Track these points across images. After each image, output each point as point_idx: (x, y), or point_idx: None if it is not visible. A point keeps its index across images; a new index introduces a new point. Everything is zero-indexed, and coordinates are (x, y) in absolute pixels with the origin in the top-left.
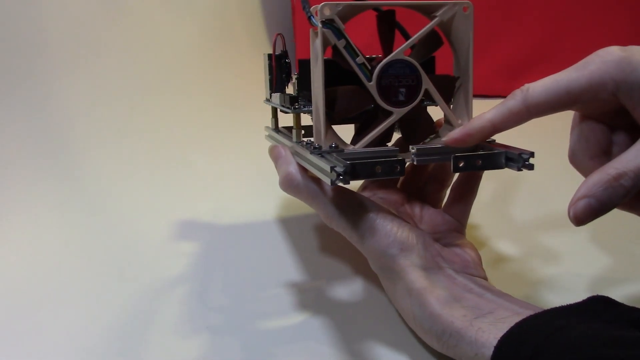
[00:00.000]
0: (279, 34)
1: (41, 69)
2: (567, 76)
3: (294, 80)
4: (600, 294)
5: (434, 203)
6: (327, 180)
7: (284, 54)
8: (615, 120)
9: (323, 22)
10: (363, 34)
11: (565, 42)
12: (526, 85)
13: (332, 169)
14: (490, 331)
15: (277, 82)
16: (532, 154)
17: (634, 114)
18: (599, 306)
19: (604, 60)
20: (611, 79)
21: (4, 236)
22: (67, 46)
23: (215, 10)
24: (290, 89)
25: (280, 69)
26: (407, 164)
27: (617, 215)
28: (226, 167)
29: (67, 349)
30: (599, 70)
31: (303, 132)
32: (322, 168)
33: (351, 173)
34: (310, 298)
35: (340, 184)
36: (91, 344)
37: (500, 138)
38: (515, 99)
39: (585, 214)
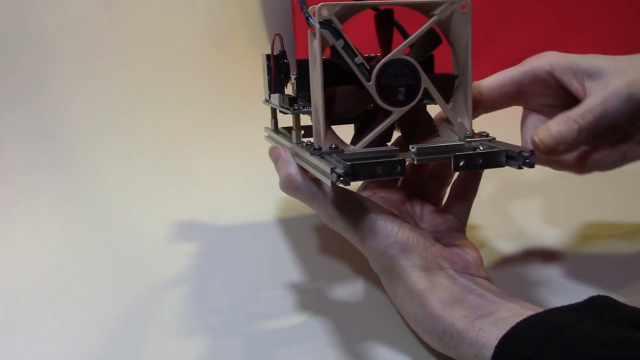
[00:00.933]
0: (277, 34)
1: (42, 70)
2: (511, 69)
3: (292, 80)
4: (600, 294)
5: (435, 202)
6: (327, 182)
7: (282, 54)
8: (554, 112)
9: (321, 23)
10: (362, 33)
11: (565, 42)
12: (477, 81)
13: (332, 170)
14: (491, 332)
15: (275, 82)
16: (532, 152)
17: (571, 88)
18: (599, 306)
19: (541, 55)
20: (546, 62)
21: (4, 236)
22: (68, 46)
23: (215, 10)
24: (289, 89)
25: (278, 70)
26: (407, 163)
27: (617, 215)
28: (226, 167)
29: (66, 350)
30: (536, 60)
31: (303, 132)
32: (322, 169)
33: (351, 174)
34: (311, 299)
35: (341, 185)
36: (91, 344)
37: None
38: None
39: (547, 139)
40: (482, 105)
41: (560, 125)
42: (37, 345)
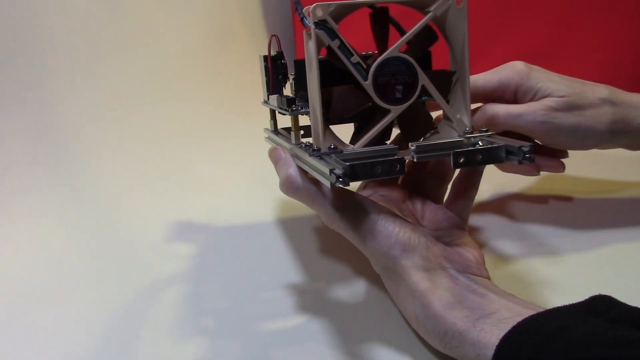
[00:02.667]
0: (273, 35)
1: (41, 68)
2: (483, 76)
3: (291, 80)
4: (601, 293)
5: (436, 199)
6: (326, 183)
7: (280, 55)
8: None
9: (316, 23)
10: (358, 31)
11: (564, 42)
12: None
13: (331, 171)
14: (493, 332)
15: (273, 83)
16: (532, 147)
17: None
18: (600, 306)
19: (512, 69)
20: (514, 82)
21: (5, 236)
22: (68, 48)
23: (215, 10)
24: (287, 89)
25: (276, 70)
26: (407, 161)
27: (619, 215)
28: (227, 168)
29: (62, 351)
30: (507, 75)
31: (302, 132)
32: (321, 171)
33: (350, 175)
34: (311, 299)
35: (340, 186)
36: (87, 345)
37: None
38: None
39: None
40: None
41: (475, 115)
42: (31, 348)
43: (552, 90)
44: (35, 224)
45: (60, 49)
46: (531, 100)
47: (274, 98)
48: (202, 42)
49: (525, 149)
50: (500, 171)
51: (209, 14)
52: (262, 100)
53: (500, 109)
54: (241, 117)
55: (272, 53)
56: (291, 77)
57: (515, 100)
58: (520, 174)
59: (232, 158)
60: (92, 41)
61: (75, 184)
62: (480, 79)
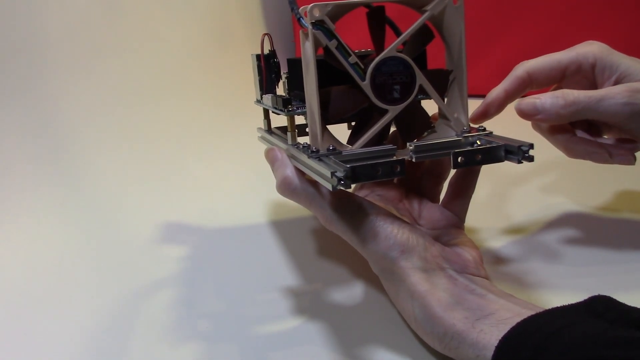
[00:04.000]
0: (266, 34)
1: (41, 68)
2: (559, 53)
3: (283, 79)
4: (600, 294)
5: (432, 197)
6: (327, 186)
7: (273, 54)
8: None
9: (313, 24)
10: (354, 30)
11: (564, 43)
12: (523, 61)
13: (332, 174)
14: (492, 333)
15: (267, 82)
16: (531, 146)
17: (601, 87)
18: (600, 306)
19: (590, 44)
20: (593, 54)
21: (3, 235)
22: (67, 48)
23: (215, 11)
24: (280, 88)
25: (269, 69)
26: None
27: (618, 214)
28: (226, 168)
29: (58, 353)
30: (584, 49)
31: (296, 131)
32: (321, 173)
33: (352, 177)
34: (308, 301)
35: (342, 189)
36: (83, 348)
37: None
38: (519, 69)
39: (526, 106)
40: (529, 85)
41: (547, 98)
42: (28, 348)
43: (635, 70)
44: (34, 223)
45: (60, 49)
46: (610, 77)
47: (268, 97)
48: (201, 42)
49: (525, 148)
50: (498, 170)
51: (209, 14)
52: (255, 100)
53: (580, 93)
54: (241, 117)
55: (265, 52)
56: (284, 76)
57: (592, 78)
58: (591, 160)
59: (231, 158)
60: (92, 41)
61: (73, 183)
62: (556, 54)
